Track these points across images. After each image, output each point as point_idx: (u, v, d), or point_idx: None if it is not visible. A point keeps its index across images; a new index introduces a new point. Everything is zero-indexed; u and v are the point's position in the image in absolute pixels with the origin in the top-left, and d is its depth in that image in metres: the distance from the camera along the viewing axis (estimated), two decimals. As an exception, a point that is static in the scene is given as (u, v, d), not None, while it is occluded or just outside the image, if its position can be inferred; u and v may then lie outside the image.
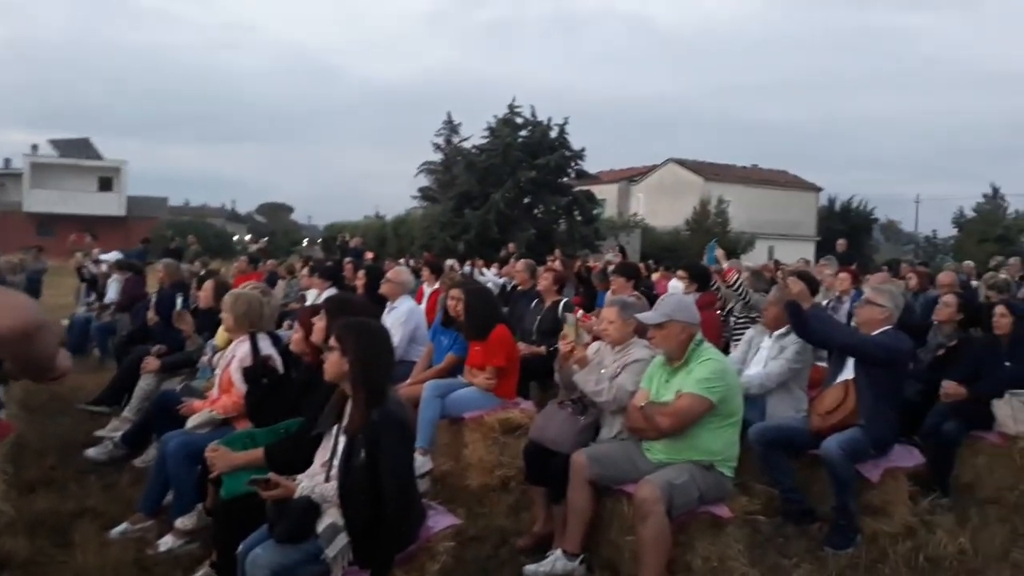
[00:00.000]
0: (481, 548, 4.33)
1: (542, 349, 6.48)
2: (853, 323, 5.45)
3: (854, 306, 6.63)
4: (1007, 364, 5.33)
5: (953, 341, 5.71)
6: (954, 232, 44.50)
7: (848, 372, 4.75)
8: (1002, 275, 11.56)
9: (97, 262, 11.95)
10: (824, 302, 7.89)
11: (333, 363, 3.09)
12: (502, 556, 4.26)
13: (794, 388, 5.10)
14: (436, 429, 5.37)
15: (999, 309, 5.52)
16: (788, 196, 44.80)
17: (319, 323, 3.85)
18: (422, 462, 5.20)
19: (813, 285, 6.39)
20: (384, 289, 6.66)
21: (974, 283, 12.29)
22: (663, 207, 39.78)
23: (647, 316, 4.04)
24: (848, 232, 43.59)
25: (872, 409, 4.55)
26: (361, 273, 7.67)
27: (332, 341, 3.13)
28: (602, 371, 4.20)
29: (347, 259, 12.82)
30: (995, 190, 42.93)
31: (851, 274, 7.72)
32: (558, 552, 3.95)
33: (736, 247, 34.26)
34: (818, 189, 46.66)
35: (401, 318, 6.36)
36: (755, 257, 30.33)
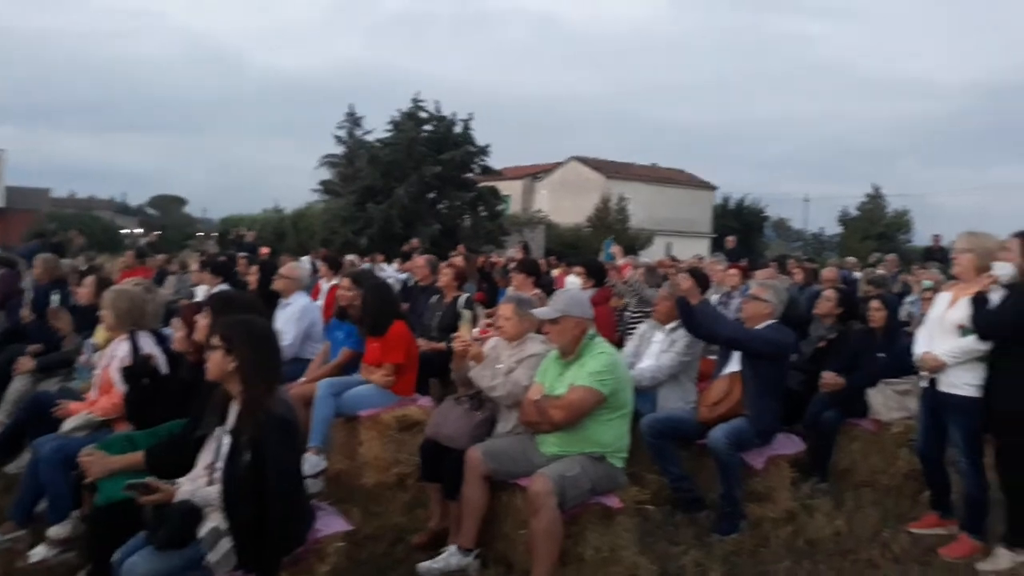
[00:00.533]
0: (376, 547, 4.30)
1: (442, 345, 6.45)
2: (740, 317, 5.66)
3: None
4: (881, 355, 5.66)
5: (833, 334, 6.00)
6: (839, 230, 46.85)
7: (734, 365, 4.94)
8: (880, 270, 12.31)
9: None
10: (715, 297, 8.19)
11: (216, 362, 2.98)
12: (397, 554, 4.23)
13: (684, 380, 5.25)
14: (331, 428, 5.28)
15: (874, 303, 5.85)
16: (685, 194, 46.17)
17: (203, 320, 3.71)
18: (316, 461, 5.10)
19: (704, 281, 6.61)
20: (277, 285, 6.48)
21: (857, 275, 13.01)
22: (566, 204, 40.30)
23: (542, 312, 4.08)
24: (741, 229, 45.33)
25: (756, 400, 4.75)
26: (254, 269, 7.43)
27: (215, 339, 3.02)
28: (498, 366, 4.22)
29: (241, 254, 12.44)
30: (876, 190, 45.43)
31: (740, 270, 8.03)
32: (452, 548, 3.96)
33: (635, 244, 35.11)
34: (713, 188, 48.26)
35: (295, 315, 6.21)
36: (654, 253, 31.12)
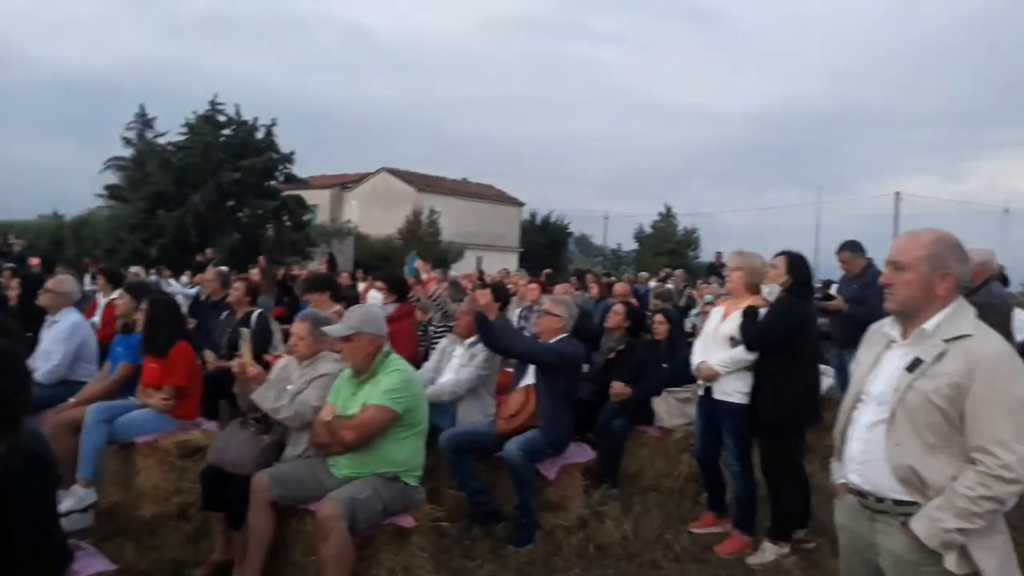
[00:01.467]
0: (151, 584, 3.96)
1: (229, 364, 6.09)
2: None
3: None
4: (664, 366, 6.01)
5: (622, 345, 6.30)
6: (636, 246, 49.87)
7: (529, 378, 5.05)
8: (668, 285, 13.20)
9: None
10: (517, 310, 8.38)
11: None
12: (175, 591, 3.92)
13: (483, 394, 5.30)
14: (103, 456, 4.82)
15: (657, 317, 6.22)
16: (494, 209, 47.22)
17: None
18: (84, 494, 4.65)
19: (504, 295, 6.74)
20: (43, 300, 5.82)
21: (652, 284, 13.89)
22: (377, 215, 39.89)
23: (334, 329, 3.96)
24: (547, 244, 47.16)
25: (549, 411, 4.87)
26: (15, 283, 6.65)
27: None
28: (288, 387, 4.04)
29: (8, 265, 11.15)
30: (668, 209, 48.93)
31: (540, 284, 8.26)
32: (237, 580, 3.72)
33: (447, 257, 35.40)
34: (521, 204, 49.73)
35: (63, 334, 5.61)
36: (464, 267, 31.52)
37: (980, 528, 2.24)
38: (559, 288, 8.38)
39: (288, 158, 28.23)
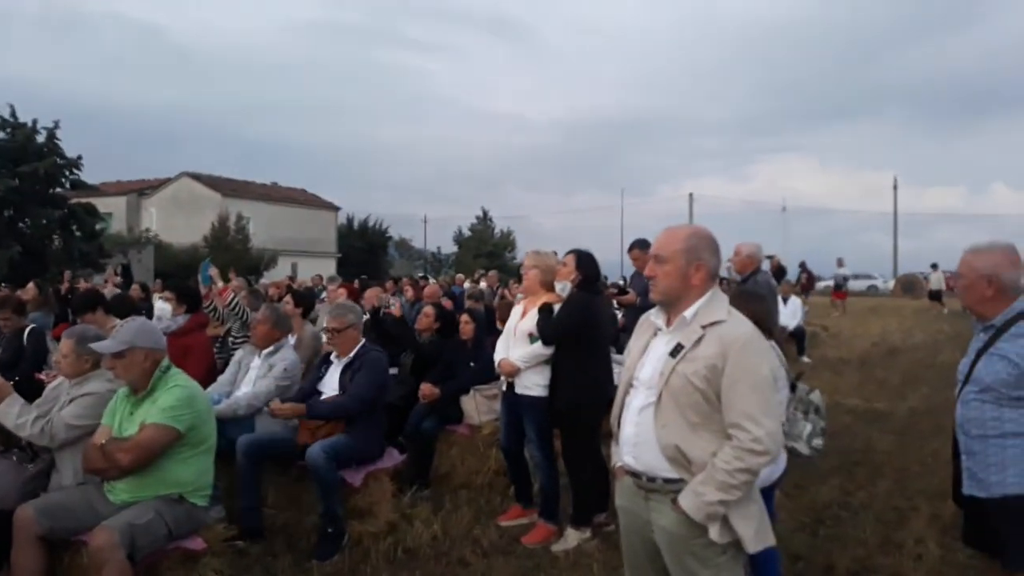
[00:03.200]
0: None
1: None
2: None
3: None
4: (472, 364, 6.09)
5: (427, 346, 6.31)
6: (455, 249, 50.35)
7: (333, 386, 4.92)
8: (482, 285, 13.41)
9: None
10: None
11: None
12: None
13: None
14: None
15: (463, 317, 6.29)
16: (308, 214, 45.88)
17: None
18: None
19: (307, 301, 6.56)
20: None
21: (467, 285, 14.04)
22: (179, 222, 37.55)
23: (103, 345, 3.66)
24: (366, 249, 46.52)
25: (357, 421, 4.78)
26: None
27: None
28: (53, 407, 3.70)
29: None
30: (485, 213, 49.81)
31: (348, 289, 8.10)
32: (0, 628, 3.35)
33: (260, 264, 33.95)
34: (336, 208, 48.68)
35: None
36: (280, 273, 30.37)
37: (738, 499, 2.43)
38: (370, 292, 8.24)
39: (75, 164, 25.94)
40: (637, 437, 2.59)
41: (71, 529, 3.46)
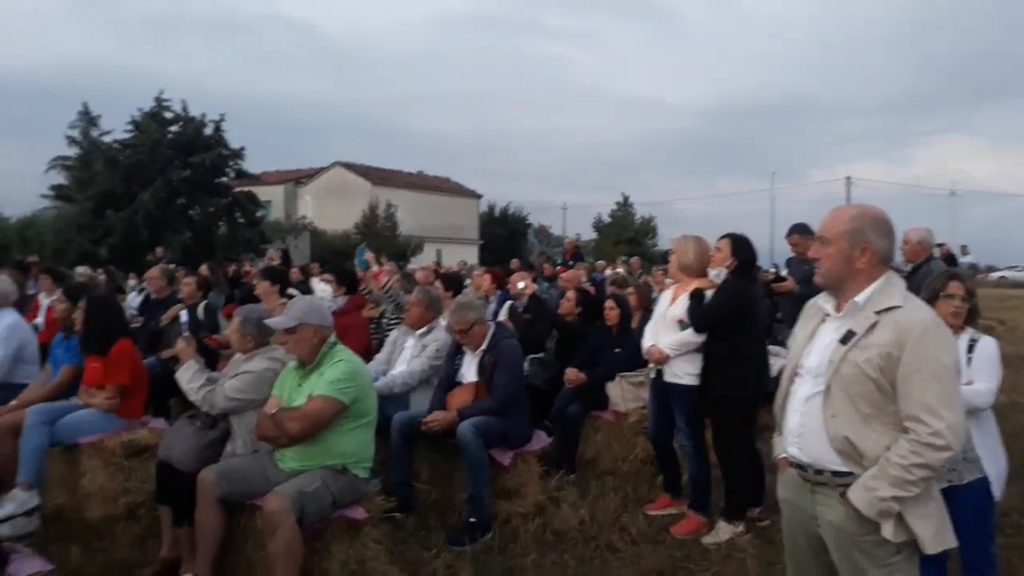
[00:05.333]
0: (97, 586, 3.87)
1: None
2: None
3: (501, 306, 7.12)
4: (617, 351, 6.04)
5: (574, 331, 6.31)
6: (595, 235, 50.12)
7: (472, 374, 5.01)
8: (619, 270, 13.28)
9: None
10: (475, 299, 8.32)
11: None
12: (121, 592, 3.84)
13: (436, 384, 5.26)
14: (45, 459, 4.69)
15: (608, 303, 6.24)
16: (452, 202, 47.04)
17: None
18: (26, 498, 4.54)
19: (456, 285, 6.71)
20: (-23, 302, 5.65)
21: (608, 272, 13.99)
22: (332, 210, 39.46)
23: (277, 321, 3.90)
24: (506, 235, 47.16)
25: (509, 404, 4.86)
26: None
27: None
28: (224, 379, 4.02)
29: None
30: (626, 199, 49.23)
31: (493, 275, 8.18)
32: (187, 578, 3.65)
33: (406, 250, 35.18)
34: (478, 196, 49.61)
35: (2, 334, 5.44)
36: (424, 260, 31.35)
37: (915, 496, 2.28)
38: (515, 276, 8.31)
39: (238, 154, 27.76)
40: (802, 428, 2.47)
41: (246, 493, 3.71)
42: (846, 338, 2.40)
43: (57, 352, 5.30)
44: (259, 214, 29.31)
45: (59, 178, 32.23)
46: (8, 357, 5.43)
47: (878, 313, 2.36)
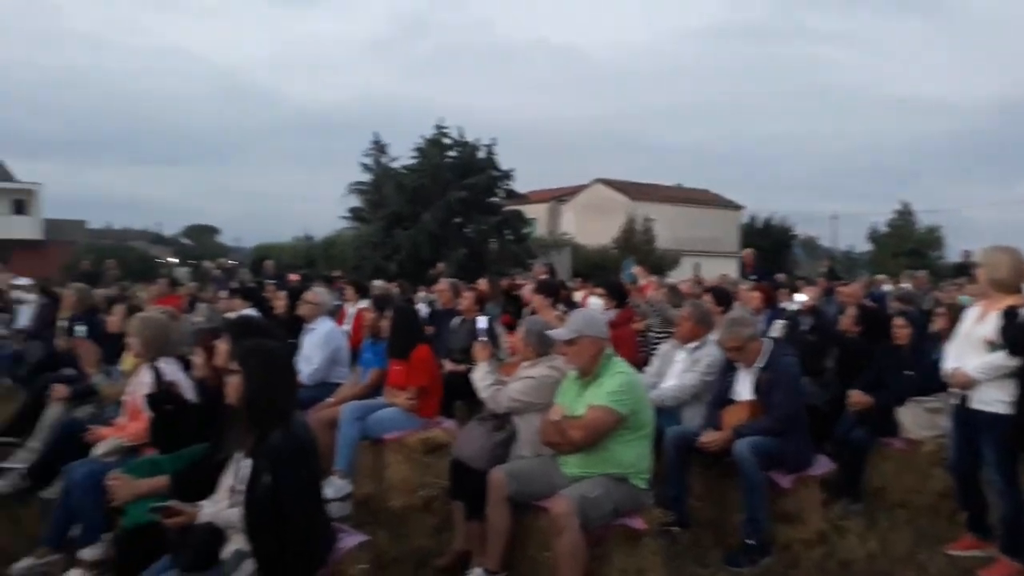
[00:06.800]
0: (402, 570, 4.30)
1: (463, 368, 6.48)
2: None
3: (771, 323, 6.85)
4: (908, 373, 5.55)
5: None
6: (869, 247, 46.23)
7: (747, 392, 4.86)
8: (903, 285, 12.13)
9: (10, 287, 11.39)
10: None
11: (235, 386, 3.01)
12: (422, 576, 4.23)
13: (708, 400, 5.19)
14: (356, 451, 5.30)
15: (897, 321, 5.76)
16: (711, 214, 45.94)
17: (222, 346, 3.77)
18: (341, 485, 5.13)
19: (726, 300, 6.58)
20: (301, 310, 6.55)
21: (887, 288, 12.86)
22: (592, 226, 40.29)
23: (558, 333, 4.10)
24: (769, 248, 44.99)
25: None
26: (281, 295, 7.53)
27: (234, 364, 3.06)
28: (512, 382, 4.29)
29: (268, 282, 12.61)
30: (906, 207, 44.88)
31: (763, 291, 7.86)
32: (478, 571, 3.94)
33: (663, 264, 34.93)
34: (739, 207, 47.98)
35: (320, 340, 6.26)
36: (681, 273, 30.94)
37: None
38: (809, 291, 7.89)
39: (508, 175, 29.31)
40: None
41: (532, 493, 3.93)
42: None
43: (366, 356, 5.98)
44: (526, 231, 30.67)
45: (355, 201, 36.41)
46: (326, 359, 6.23)
47: None
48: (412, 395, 5.30)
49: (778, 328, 6.71)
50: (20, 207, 44.43)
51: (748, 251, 14.95)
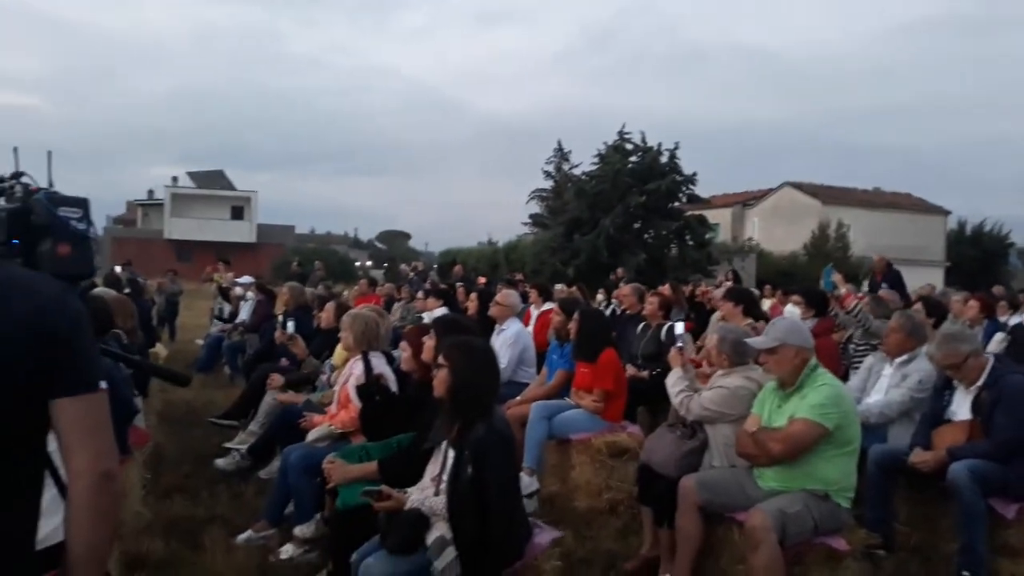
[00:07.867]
0: (589, 571, 4.33)
1: (645, 374, 6.43)
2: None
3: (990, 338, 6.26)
4: None
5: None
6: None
7: (965, 412, 4.46)
8: None
9: (233, 285, 12.61)
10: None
11: (442, 380, 3.18)
12: (610, 579, 4.24)
13: (917, 418, 4.83)
14: (543, 450, 5.41)
15: None
16: (913, 220, 42.55)
17: (428, 342, 3.98)
18: (529, 482, 5.24)
19: (939, 311, 6.08)
20: (493, 311, 6.79)
21: None
22: (779, 231, 38.60)
23: (758, 341, 3.96)
24: (980, 257, 41.07)
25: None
26: (473, 296, 7.83)
27: (441, 359, 3.23)
28: (703, 390, 4.21)
29: (459, 283, 13.16)
30: None
31: (981, 302, 7.20)
32: (667, 578, 3.91)
33: (859, 272, 32.77)
34: (946, 212, 44.12)
35: (509, 340, 6.46)
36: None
37: None
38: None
39: (690, 180, 28.76)
40: None
41: (724, 504, 3.84)
42: None
43: (553, 357, 6.09)
44: (707, 236, 29.94)
45: (537, 208, 37.16)
46: (514, 359, 6.41)
47: None
48: (598, 398, 5.34)
49: (998, 342, 6.13)
50: (238, 213, 49.20)
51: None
